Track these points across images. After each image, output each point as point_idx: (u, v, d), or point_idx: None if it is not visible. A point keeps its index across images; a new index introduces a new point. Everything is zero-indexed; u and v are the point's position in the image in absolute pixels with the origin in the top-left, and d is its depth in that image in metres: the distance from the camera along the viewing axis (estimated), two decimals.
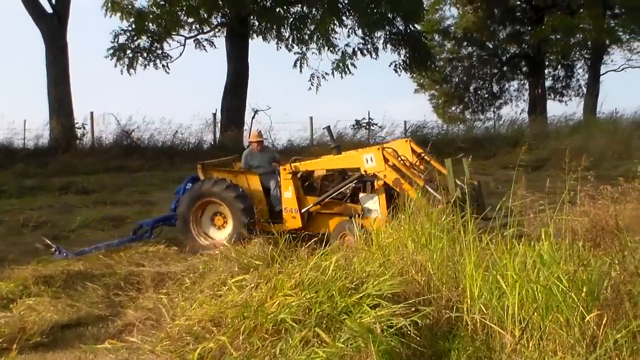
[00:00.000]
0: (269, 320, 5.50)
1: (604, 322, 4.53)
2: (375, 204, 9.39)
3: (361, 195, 9.60)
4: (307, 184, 10.49)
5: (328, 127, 12.31)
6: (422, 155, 9.43)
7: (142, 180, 17.54)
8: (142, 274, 8.38)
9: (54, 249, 9.40)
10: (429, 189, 8.28)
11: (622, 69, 38.54)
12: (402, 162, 9.29)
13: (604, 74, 37.33)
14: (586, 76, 37.84)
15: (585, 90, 37.36)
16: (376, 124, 26.33)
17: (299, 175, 10.25)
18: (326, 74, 26.20)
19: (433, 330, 5.50)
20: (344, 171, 10.28)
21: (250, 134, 12.25)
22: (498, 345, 5.12)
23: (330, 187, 10.07)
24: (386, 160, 8.94)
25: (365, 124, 26.36)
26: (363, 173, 9.30)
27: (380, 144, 9.85)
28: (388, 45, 27.03)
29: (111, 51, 24.14)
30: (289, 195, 10.03)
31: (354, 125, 26.06)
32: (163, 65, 25.07)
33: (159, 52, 24.99)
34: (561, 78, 39.44)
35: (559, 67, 39.17)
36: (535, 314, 4.98)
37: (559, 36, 33.56)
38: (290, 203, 10.01)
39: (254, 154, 11.45)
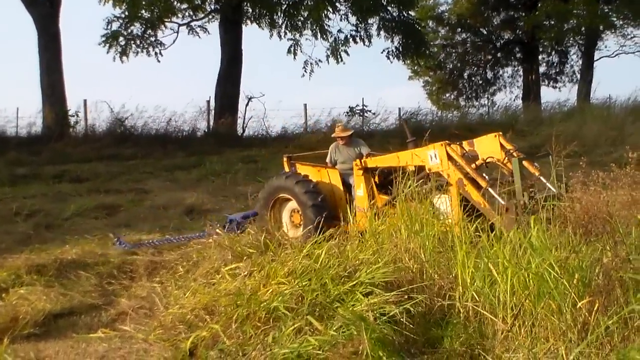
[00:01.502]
0: (262, 309, 5.51)
1: (595, 309, 4.55)
2: (446, 205, 7.98)
3: (435, 197, 8.04)
4: (379, 182, 9.31)
5: (405, 120, 10.86)
6: (512, 152, 8.09)
7: (135, 168, 17.48)
8: (136, 262, 8.36)
9: (115, 239, 9.35)
10: (492, 192, 7.29)
11: (616, 55, 38.60)
12: (469, 159, 8.02)
13: (597, 60, 37.40)
14: (580, 62, 37.86)
15: (579, 76, 37.36)
16: (370, 111, 26.26)
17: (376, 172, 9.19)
18: (320, 60, 26.21)
19: (426, 317, 5.52)
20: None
21: (335, 128, 10.93)
22: (490, 332, 5.14)
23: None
24: (450, 158, 7.85)
25: (359, 111, 26.29)
26: (428, 171, 8.18)
27: (463, 140, 8.77)
28: (381, 32, 26.97)
29: (104, 38, 23.99)
30: (360, 193, 9.08)
31: (347, 112, 25.99)
32: (156, 53, 24.94)
33: (152, 39, 24.81)
34: (555, 64, 39.46)
35: (553, 53, 39.17)
36: (527, 300, 4.99)
37: (552, 22, 33.51)
38: (362, 202, 8.93)
39: (339, 148, 10.49)
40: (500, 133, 8.40)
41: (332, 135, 10.79)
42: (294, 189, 9.32)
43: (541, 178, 7.51)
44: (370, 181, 9.11)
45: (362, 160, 9.11)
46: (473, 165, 7.94)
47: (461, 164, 7.73)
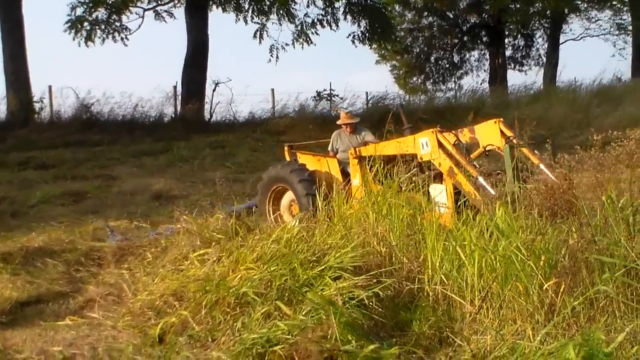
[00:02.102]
0: (231, 294, 5.51)
1: (561, 290, 4.60)
2: (442, 195, 7.65)
3: (431, 185, 7.77)
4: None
5: (400, 105, 11.28)
6: (512, 139, 7.55)
7: (102, 155, 17.32)
8: (104, 249, 8.30)
9: (109, 231, 9.22)
10: (483, 182, 6.92)
11: (581, 38, 38.95)
12: (460, 147, 7.59)
13: (563, 43, 37.69)
14: (545, 45, 38.10)
15: (544, 59, 37.61)
16: (337, 95, 26.23)
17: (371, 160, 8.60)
18: (286, 44, 26.13)
19: (395, 301, 5.56)
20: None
21: (341, 114, 10.51)
22: (459, 315, 5.18)
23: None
24: (440, 145, 7.51)
25: (326, 96, 26.25)
26: (419, 160, 7.86)
27: (462, 127, 8.35)
28: (348, 16, 26.92)
29: (69, 24, 23.68)
30: (356, 182, 8.78)
31: (315, 97, 25.94)
32: (122, 38, 24.69)
33: (117, 24, 24.51)
34: (521, 47, 39.61)
35: (519, 36, 39.32)
36: (494, 283, 5.03)
37: (518, 6, 33.67)
38: (358, 191, 8.50)
39: (342, 136, 10.18)
40: (501, 119, 7.87)
41: (337, 122, 10.47)
42: (288, 179, 9.14)
43: (541, 166, 6.96)
44: (365, 170, 8.69)
45: (357, 149, 8.93)
46: (476, 153, 7.77)
47: (452, 152, 7.38)
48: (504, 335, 4.55)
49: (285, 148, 10.22)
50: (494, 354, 4.38)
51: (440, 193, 7.59)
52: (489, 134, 7.88)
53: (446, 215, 7.06)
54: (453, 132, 8.00)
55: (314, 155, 9.91)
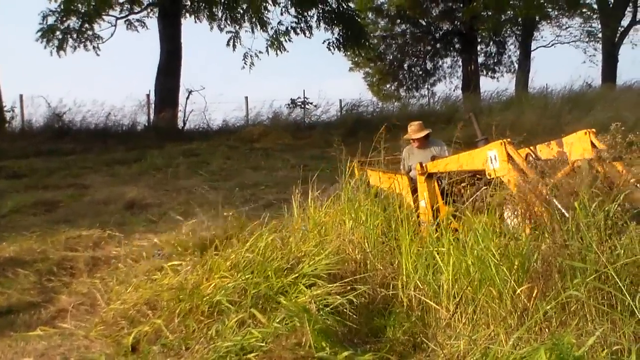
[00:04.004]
0: (205, 302, 5.50)
1: (534, 295, 4.63)
2: (519, 221, 6.15)
3: (506, 207, 6.30)
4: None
5: (473, 114, 9.11)
6: (602, 152, 6.33)
7: (74, 164, 17.20)
8: (76, 258, 8.24)
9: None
10: (556, 203, 5.78)
11: (552, 45, 39.53)
12: (535, 162, 6.57)
13: (534, 50, 38.16)
14: (517, 52, 38.44)
15: (516, 66, 37.97)
16: (311, 103, 26.29)
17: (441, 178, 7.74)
18: (260, 52, 26.17)
19: (369, 307, 5.58)
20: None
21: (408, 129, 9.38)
22: (433, 320, 5.21)
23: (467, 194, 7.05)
24: (510, 159, 6.40)
25: (300, 103, 26.30)
26: (488, 177, 6.70)
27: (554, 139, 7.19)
28: (321, 24, 27.01)
29: (40, 33, 23.57)
30: (423, 204, 7.65)
31: (289, 105, 25.98)
32: (94, 47, 24.61)
33: (90, 33, 24.45)
34: (493, 54, 39.87)
35: (491, 43, 39.58)
36: (468, 288, 5.06)
37: (490, 13, 33.96)
38: (425, 214, 7.47)
39: (413, 151, 9.28)
40: (593, 130, 6.76)
41: (404, 137, 9.51)
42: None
43: (637, 184, 6.03)
44: (434, 189, 7.69)
45: (424, 165, 7.81)
46: (565, 170, 6.33)
47: (524, 167, 6.26)
48: (477, 340, 4.58)
49: (355, 165, 8.99)
50: (467, 358, 4.41)
51: (514, 218, 6.18)
52: (579, 147, 6.81)
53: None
54: (531, 147, 7.14)
55: (384, 173, 8.78)
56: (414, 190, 8.06)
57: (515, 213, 5.92)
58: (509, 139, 6.57)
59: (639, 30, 39.51)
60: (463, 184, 7.00)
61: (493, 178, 6.52)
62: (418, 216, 7.46)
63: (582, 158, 6.38)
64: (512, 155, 6.38)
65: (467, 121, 8.75)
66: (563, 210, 5.44)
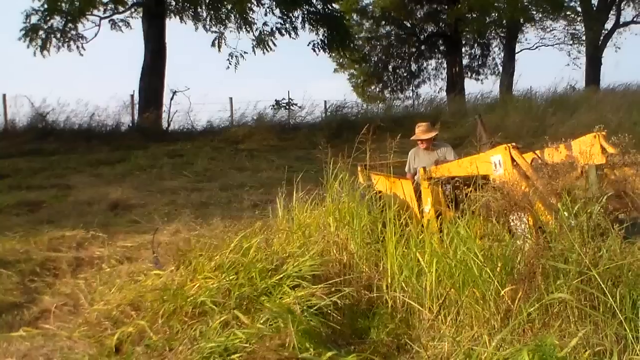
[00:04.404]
0: (189, 303, 5.48)
1: (517, 297, 4.65)
2: (524, 228, 5.87)
3: (512, 215, 6.00)
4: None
5: (479, 116, 8.96)
6: (613, 157, 6.26)
7: (58, 164, 17.11)
8: (59, 259, 8.20)
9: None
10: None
11: (536, 48, 39.64)
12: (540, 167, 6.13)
13: (518, 52, 38.28)
14: (502, 54, 38.59)
15: (501, 68, 38.11)
16: (296, 104, 26.28)
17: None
18: (245, 52, 26.15)
19: (353, 309, 5.58)
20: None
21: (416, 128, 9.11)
22: (417, 322, 5.22)
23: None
24: (514, 164, 6.15)
25: (284, 104, 26.28)
26: (492, 183, 6.33)
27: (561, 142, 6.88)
28: (306, 25, 27.01)
29: (23, 32, 23.44)
30: (427, 210, 7.26)
31: (273, 106, 25.96)
32: (78, 47, 24.50)
33: (73, 32, 24.33)
34: (478, 56, 40.01)
35: (476, 45, 39.73)
36: (452, 289, 5.08)
37: (475, 15, 34.09)
38: (429, 220, 6.84)
39: (419, 153, 9.06)
40: (603, 133, 6.62)
41: (412, 138, 9.19)
42: None
43: None
44: (438, 194, 7.27)
45: (428, 169, 7.54)
46: (574, 175, 6.07)
47: (529, 173, 6.02)
48: (460, 342, 4.59)
49: (359, 169, 9.01)
50: (450, 359, 4.42)
51: (520, 225, 5.93)
52: (587, 151, 6.56)
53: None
54: (538, 151, 6.80)
55: (387, 177, 8.52)
56: (419, 195, 7.68)
57: (521, 219, 5.75)
58: (513, 143, 6.35)
59: (622, 33, 39.86)
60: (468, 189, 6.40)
61: (496, 183, 6.19)
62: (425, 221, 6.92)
63: (591, 162, 6.14)
64: (516, 160, 6.15)
65: (474, 123, 8.43)
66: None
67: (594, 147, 6.54)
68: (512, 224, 5.91)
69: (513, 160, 6.14)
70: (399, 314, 5.41)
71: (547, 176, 5.74)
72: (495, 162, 6.38)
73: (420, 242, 5.74)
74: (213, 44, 25.90)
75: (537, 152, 6.73)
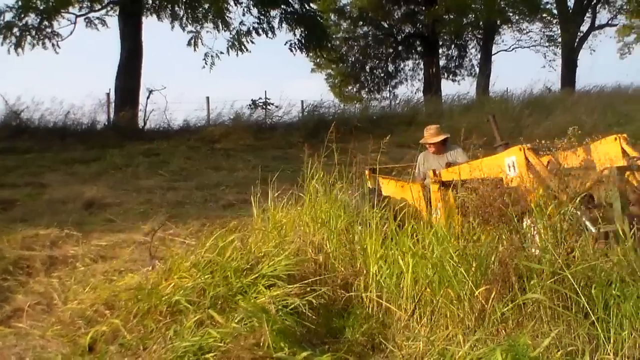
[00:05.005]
0: (163, 302, 5.46)
1: (491, 296, 4.68)
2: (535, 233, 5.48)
3: (525, 219, 5.66)
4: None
5: (492, 117, 8.43)
6: (635, 160, 5.95)
7: (32, 162, 16.97)
8: (32, 257, 8.13)
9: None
10: (579, 214, 5.32)
11: (513, 49, 39.80)
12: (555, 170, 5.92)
13: (495, 53, 38.40)
14: (478, 56, 38.75)
15: (477, 69, 38.27)
16: (273, 104, 26.21)
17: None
18: (221, 52, 26.05)
19: (328, 308, 5.59)
20: None
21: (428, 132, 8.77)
22: (392, 322, 5.24)
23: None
24: (529, 166, 5.95)
25: (261, 104, 26.21)
26: (506, 186, 6.06)
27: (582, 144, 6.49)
28: (283, 24, 26.97)
29: None
30: (437, 214, 6.92)
31: (250, 105, 25.88)
32: (53, 44, 24.28)
33: (48, 30, 24.09)
34: (454, 58, 40.13)
35: (453, 47, 39.88)
36: (427, 289, 5.10)
37: (452, 16, 34.21)
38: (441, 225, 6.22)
39: (429, 157, 8.79)
40: (624, 135, 6.36)
41: (421, 142, 9.00)
42: (358, 205, 7.14)
43: None
44: (450, 199, 6.92)
45: (437, 172, 7.39)
46: (593, 179, 5.92)
47: (544, 175, 5.84)
48: (434, 341, 4.62)
49: (367, 173, 8.74)
50: (424, 359, 4.44)
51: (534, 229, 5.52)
52: (608, 153, 6.33)
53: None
54: (554, 153, 6.35)
55: (397, 181, 8.47)
56: (429, 199, 7.47)
57: (535, 224, 5.42)
58: (529, 145, 6.20)
59: (598, 36, 40.25)
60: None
61: (510, 186, 6.01)
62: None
63: (611, 166, 5.88)
64: (532, 162, 6.00)
65: (486, 124, 8.27)
66: (587, 223, 5.24)
67: (614, 150, 6.29)
68: (525, 228, 5.55)
69: (528, 161, 6.01)
70: (374, 314, 5.42)
71: (564, 179, 5.57)
72: (509, 164, 6.24)
73: (397, 243, 5.76)
74: (189, 44, 25.79)
75: (554, 154, 6.38)
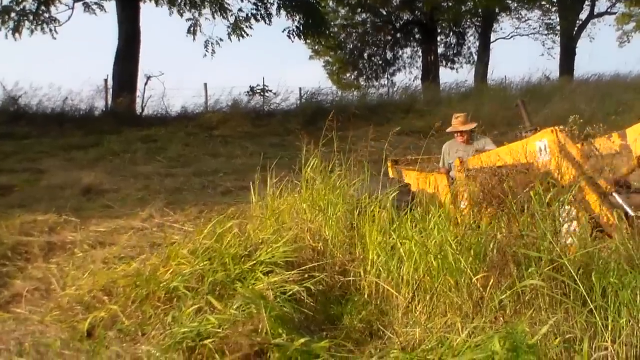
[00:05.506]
0: (162, 289, 5.47)
1: (490, 284, 4.68)
2: (572, 223, 5.29)
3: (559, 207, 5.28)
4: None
5: (522, 101, 8.10)
6: None
7: (30, 148, 16.95)
8: (31, 243, 8.12)
9: None
10: (619, 200, 5.21)
11: (511, 37, 39.78)
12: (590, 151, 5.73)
13: (494, 41, 38.39)
14: (477, 44, 38.69)
15: (476, 57, 38.23)
16: (270, 91, 26.18)
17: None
18: (221, 39, 26.01)
19: (326, 295, 5.59)
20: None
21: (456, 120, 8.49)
22: (390, 309, 5.24)
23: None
24: (561, 149, 5.58)
25: (259, 91, 26.17)
26: (537, 171, 5.75)
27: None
28: (282, 11, 26.90)
29: None
30: (464, 205, 6.45)
31: (248, 92, 25.84)
32: (50, 30, 24.21)
33: (46, 15, 24.03)
34: (453, 45, 40.07)
35: (451, 34, 39.83)
36: (426, 277, 5.10)
37: (450, 4, 34.18)
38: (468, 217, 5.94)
39: (456, 146, 8.44)
40: None
41: (448, 130, 8.65)
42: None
43: None
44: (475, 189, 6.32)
45: (463, 161, 7.18)
46: (631, 165, 5.62)
47: (578, 158, 5.53)
48: (432, 328, 4.62)
49: (389, 164, 8.67)
50: (422, 346, 4.44)
51: (569, 218, 5.31)
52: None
53: (573, 248, 4.88)
54: (586, 138, 6.04)
55: (420, 172, 8.10)
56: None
57: (569, 214, 5.26)
58: (561, 127, 5.89)
59: (597, 24, 40.21)
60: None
61: (541, 171, 5.66)
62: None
63: None
64: (565, 146, 5.65)
65: (515, 109, 7.99)
66: (627, 209, 5.09)
67: None
68: (561, 219, 5.24)
69: (560, 144, 5.69)
70: (373, 301, 5.43)
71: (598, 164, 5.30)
72: (541, 147, 5.92)
73: (397, 230, 5.77)
74: (189, 32, 25.76)
75: (587, 139, 6.07)
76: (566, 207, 5.28)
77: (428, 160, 9.05)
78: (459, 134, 8.46)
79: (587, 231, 5.06)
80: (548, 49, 39.61)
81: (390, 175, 8.40)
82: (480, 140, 8.43)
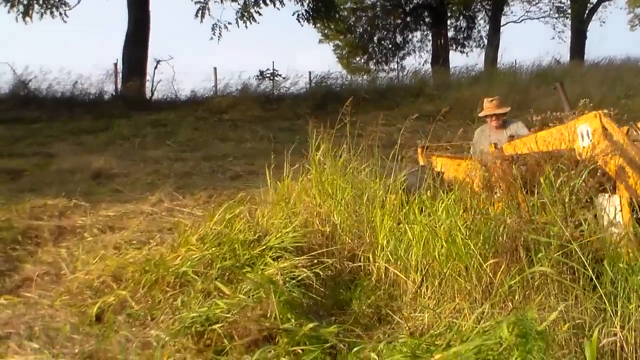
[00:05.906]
0: (171, 274, 5.47)
1: (499, 269, 4.67)
2: (613, 211, 5.08)
3: (599, 196, 5.20)
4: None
5: (560, 84, 7.64)
6: None
7: (40, 132, 17.00)
8: (41, 227, 8.14)
9: None
10: None
11: (522, 21, 39.63)
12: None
13: (504, 25, 38.23)
14: (487, 27, 38.53)
15: (486, 41, 38.06)
16: (280, 75, 26.16)
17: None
18: (229, 23, 25.96)
19: (335, 280, 5.60)
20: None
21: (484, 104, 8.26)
22: (399, 294, 5.24)
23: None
24: (606, 134, 5.23)
25: (269, 75, 26.16)
26: (578, 158, 5.39)
27: None
28: None
29: None
30: (498, 194, 5.96)
31: (257, 76, 25.83)
32: (60, 13, 24.23)
33: None
34: (463, 29, 39.94)
35: (461, 18, 39.66)
36: (435, 262, 5.10)
37: None
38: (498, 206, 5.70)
39: (488, 132, 8.13)
40: None
41: (480, 115, 8.39)
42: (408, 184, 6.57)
43: None
44: (513, 177, 5.81)
45: (500, 147, 6.73)
46: None
47: (625, 144, 5.15)
48: (441, 314, 4.62)
49: (419, 150, 8.34)
50: (431, 331, 4.44)
51: (609, 207, 5.13)
52: None
53: (620, 240, 4.71)
54: (633, 123, 5.88)
55: (452, 159, 7.68)
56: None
57: (609, 201, 5.05)
58: (604, 110, 5.52)
59: (608, 7, 39.96)
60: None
61: (582, 158, 5.33)
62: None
63: None
64: (609, 130, 5.29)
65: (554, 91, 7.67)
66: None
67: None
68: (598, 206, 5.17)
69: (605, 129, 5.30)
70: (381, 286, 5.43)
71: None
72: (583, 132, 5.51)
73: (406, 215, 5.76)
74: (197, 15, 25.71)
75: (633, 124, 5.86)
76: (605, 195, 5.14)
77: (460, 147, 8.72)
78: (493, 118, 8.18)
79: (632, 222, 4.86)
80: (559, 32, 39.48)
81: (420, 162, 8.11)
82: (513, 125, 8.13)
